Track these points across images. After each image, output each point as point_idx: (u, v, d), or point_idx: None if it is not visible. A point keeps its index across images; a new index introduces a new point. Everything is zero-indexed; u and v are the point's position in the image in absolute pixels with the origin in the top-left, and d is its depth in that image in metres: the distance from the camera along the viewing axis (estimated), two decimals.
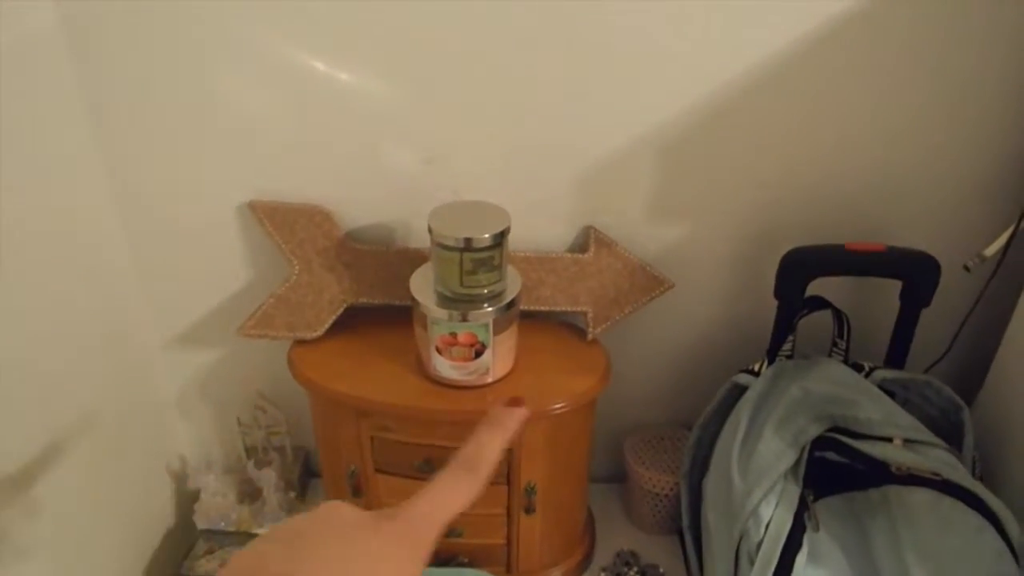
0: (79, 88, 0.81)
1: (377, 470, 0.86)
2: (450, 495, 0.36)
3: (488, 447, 0.38)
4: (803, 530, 0.71)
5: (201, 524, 0.99)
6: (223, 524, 1.00)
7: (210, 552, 0.95)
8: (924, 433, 0.75)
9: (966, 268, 0.81)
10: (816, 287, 0.84)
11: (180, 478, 1.05)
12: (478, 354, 0.79)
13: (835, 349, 0.87)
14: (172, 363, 1.00)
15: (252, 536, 0.97)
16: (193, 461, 1.06)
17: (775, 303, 0.86)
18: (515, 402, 0.40)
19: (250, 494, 1.03)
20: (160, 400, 1.02)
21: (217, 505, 1.00)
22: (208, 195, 0.89)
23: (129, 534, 0.94)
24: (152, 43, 0.79)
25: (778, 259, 0.84)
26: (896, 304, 0.85)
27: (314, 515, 0.33)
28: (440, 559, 0.92)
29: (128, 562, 0.94)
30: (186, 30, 0.79)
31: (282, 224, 0.87)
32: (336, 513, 0.33)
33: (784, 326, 0.86)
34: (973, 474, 0.80)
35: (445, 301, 0.78)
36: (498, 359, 0.80)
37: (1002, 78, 0.81)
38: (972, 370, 0.93)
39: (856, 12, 0.77)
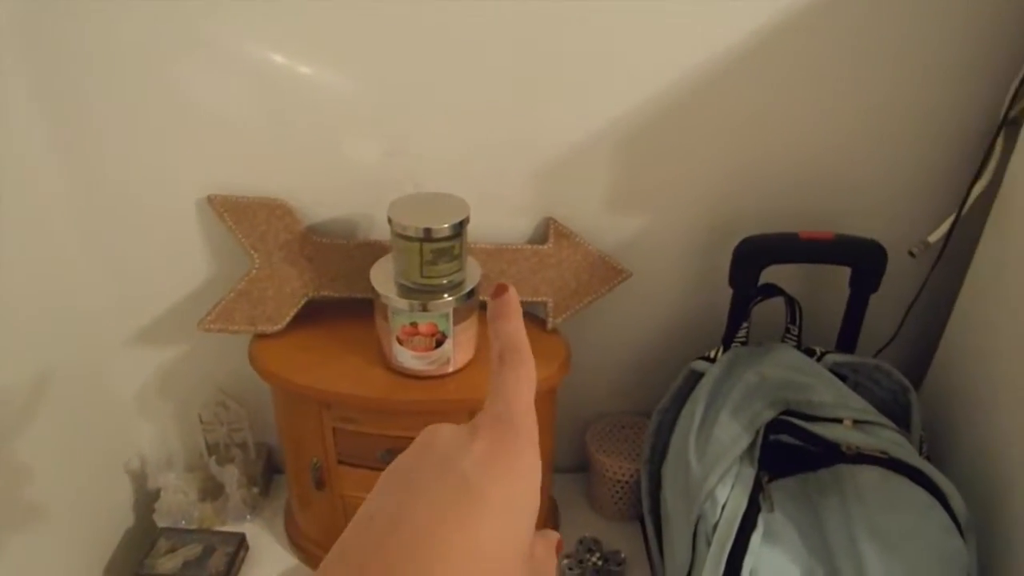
0: (34, 80, 0.80)
1: (340, 462, 0.86)
2: (516, 380, 0.34)
3: (513, 333, 0.35)
4: (758, 510, 0.73)
5: (162, 522, 0.99)
6: (184, 522, 0.99)
7: (171, 550, 0.94)
8: (873, 414, 0.77)
9: (911, 254, 0.84)
10: (769, 275, 0.87)
11: (140, 477, 1.04)
12: (439, 344, 0.79)
13: (788, 335, 0.90)
14: (131, 360, 0.99)
15: (216, 534, 0.97)
16: (154, 459, 1.05)
17: (730, 291, 0.88)
18: (499, 291, 0.37)
19: (212, 491, 1.03)
20: (119, 398, 1.01)
21: (178, 503, 0.99)
22: (167, 189, 0.88)
23: (88, 534, 0.93)
24: (108, 35, 0.79)
25: (732, 248, 0.86)
26: (846, 290, 0.88)
27: (414, 447, 0.32)
28: None
29: (87, 562, 0.93)
30: (145, 23, 0.78)
31: (242, 218, 0.87)
32: (435, 437, 0.32)
33: (738, 313, 0.88)
34: (921, 453, 0.82)
35: (406, 291, 0.78)
36: (459, 349, 0.81)
37: (945, 72, 0.84)
38: (921, 353, 0.96)
39: (807, 7, 0.79)
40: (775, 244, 0.85)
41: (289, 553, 0.98)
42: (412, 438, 0.87)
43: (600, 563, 0.96)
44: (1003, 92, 0.81)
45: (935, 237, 0.84)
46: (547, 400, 0.88)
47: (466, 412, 0.81)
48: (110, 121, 0.83)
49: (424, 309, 0.77)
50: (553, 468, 0.97)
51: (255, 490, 1.03)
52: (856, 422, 0.76)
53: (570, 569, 0.95)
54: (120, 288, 0.94)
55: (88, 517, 0.93)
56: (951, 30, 0.82)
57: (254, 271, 0.87)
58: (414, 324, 0.78)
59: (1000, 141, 0.81)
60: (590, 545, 0.98)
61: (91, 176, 0.87)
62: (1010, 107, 0.80)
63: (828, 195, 0.91)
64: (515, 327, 0.36)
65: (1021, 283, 0.75)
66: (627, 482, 1.00)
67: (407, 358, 0.80)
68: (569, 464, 1.09)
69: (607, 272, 0.89)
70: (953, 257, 0.88)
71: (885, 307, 0.91)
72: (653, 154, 0.88)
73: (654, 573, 0.94)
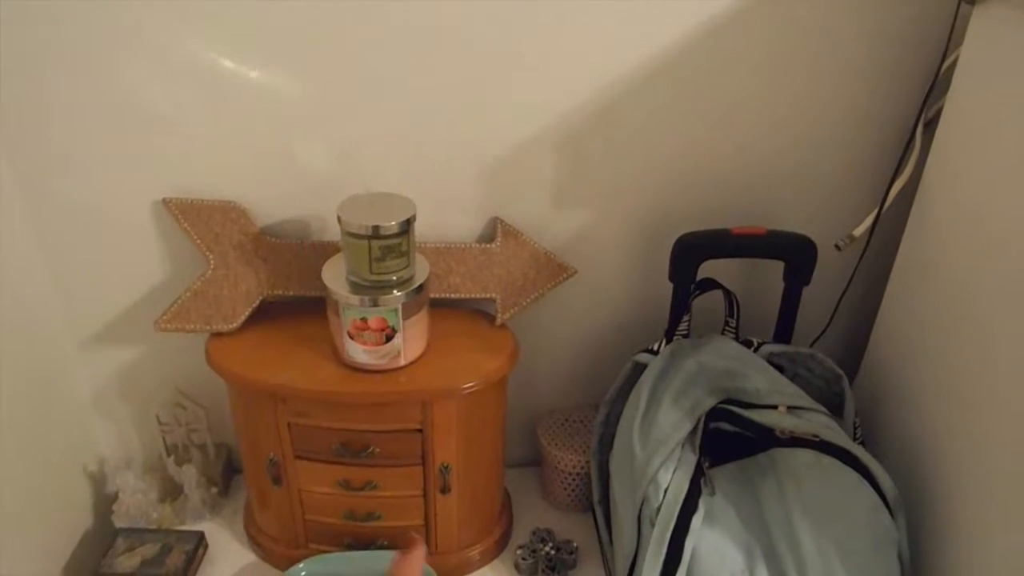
0: None
1: (296, 456, 0.88)
2: None
3: None
4: (699, 494, 0.77)
5: (120, 523, 1.00)
6: (143, 522, 1.00)
7: (129, 549, 0.95)
8: (806, 400, 0.81)
9: (837, 247, 0.88)
10: (708, 270, 0.91)
11: (98, 479, 1.05)
12: (389, 338, 0.82)
13: (727, 327, 0.94)
14: (89, 362, 1.01)
15: (174, 533, 0.98)
16: (112, 461, 1.06)
17: (671, 286, 0.92)
18: (411, 543, 0.41)
19: (171, 492, 1.04)
20: (77, 400, 1.02)
21: (137, 504, 1.00)
22: (122, 193, 0.90)
23: (46, 536, 0.94)
24: (60, 40, 0.81)
25: (671, 245, 0.90)
26: (780, 283, 0.92)
27: None
28: (360, 543, 0.94)
29: (45, 563, 0.94)
30: (98, 29, 0.80)
31: (197, 220, 0.89)
32: None
33: (679, 307, 0.92)
34: (855, 439, 0.86)
35: (356, 288, 0.81)
36: (409, 343, 0.84)
37: (867, 75, 0.89)
38: (855, 343, 1.01)
39: (737, 13, 0.84)
40: (710, 240, 0.89)
41: (248, 550, 1.00)
42: (365, 431, 0.89)
43: (553, 552, 0.98)
44: (920, 94, 0.86)
45: (860, 231, 0.88)
46: (498, 392, 0.91)
47: (416, 404, 0.84)
48: (63, 126, 0.85)
49: (374, 304, 0.80)
50: (505, 462, 1.00)
51: (214, 490, 1.05)
52: (790, 408, 0.80)
53: (523, 559, 0.97)
54: (76, 291, 0.96)
55: (46, 519, 0.94)
56: (872, 36, 0.87)
57: (209, 272, 0.89)
58: (364, 319, 0.81)
59: (918, 141, 0.86)
60: (543, 535, 1.01)
61: (45, 181, 0.88)
62: (926, 108, 0.85)
63: (762, 193, 0.95)
64: None
65: (942, 274, 0.80)
66: (578, 473, 1.03)
67: (358, 352, 0.83)
68: (522, 458, 1.12)
69: (553, 269, 0.93)
70: (881, 250, 0.92)
71: (819, 299, 0.95)
72: (594, 155, 0.92)
73: (604, 560, 0.97)
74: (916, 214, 0.86)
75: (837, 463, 0.77)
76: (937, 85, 0.83)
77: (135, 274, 0.95)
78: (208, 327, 0.89)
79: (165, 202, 0.89)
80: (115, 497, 1.01)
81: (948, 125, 0.81)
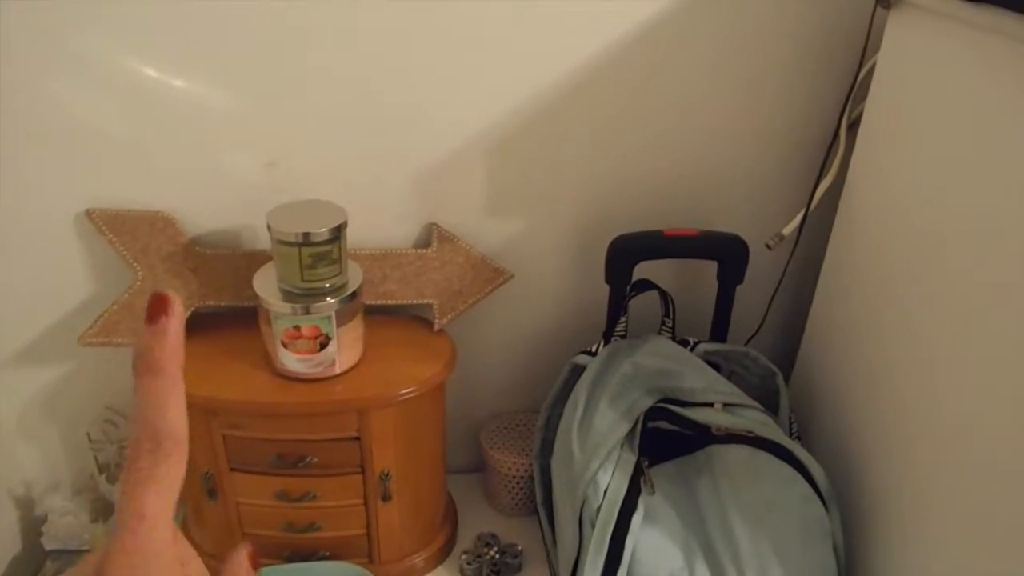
0: None
1: (232, 469, 0.86)
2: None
3: (172, 419, 0.28)
4: (638, 493, 0.77)
5: (50, 546, 0.96)
6: (75, 544, 0.97)
7: (59, 572, 0.92)
8: (741, 397, 0.83)
9: (767, 246, 0.90)
10: (644, 271, 0.92)
11: (25, 502, 1.01)
12: (323, 346, 0.81)
13: (663, 327, 0.95)
14: (11, 382, 0.97)
15: None
16: (40, 484, 1.03)
17: (608, 288, 0.93)
18: (159, 305, 0.30)
19: (104, 511, 1.01)
20: None
21: (67, 526, 0.97)
22: (43, 204, 0.87)
23: None
24: None
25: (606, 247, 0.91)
26: (715, 283, 0.94)
27: None
28: (301, 554, 0.93)
29: None
30: (16, 37, 0.78)
31: (122, 231, 0.87)
32: None
33: (616, 308, 0.93)
34: (790, 434, 0.88)
35: (288, 296, 0.80)
36: (344, 350, 0.83)
37: (792, 79, 0.91)
38: (790, 340, 1.03)
39: (662, 21, 0.85)
40: (644, 242, 0.91)
41: None
42: (301, 440, 0.88)
43: (498, 556, 0.98)
44: (842, 96, 0.88)
45: (788, 230, 0.90)
46: (436, 398, 0.91)
47: (353, 412, 0.83)
48: None
49: (306, 312, 0.79)
50: (448, 468, 1.00)
51: None
52: (726, 405, 0.81)
53: (468, 564, 0.97)
54: None
55: None
56: (793, 40, 0.89)
57: (137, 284, 0.87)
58: (297, 327, 0.80)
59: (842, 143, 0.88)
60: (488, 540, 1.01)
61: None
62: (847, 111, 0.88)
63: (694, 195, 0.97)
64: (166, 394, 0.27)
65: (870, 271, 0.82)
66: (521, 477, 1.03)
67: (292, 361, 0.82)
68: (466, 464, 1.12)
69: (489, 274, 0.93)
70: (810, 249, 0.95)
71: (752, 298, 0.97)
72: (526, 159, 0.92)
73: (549, 563, 0.97)
74: (843, 213, 0.88)
75: (772, 458, 0.78)
76: (858, 86, 0.86)
77: (58, 288, 0.92)
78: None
79: (88, 213, 0.87)
80: (44, 520, 0.98)
81: (869, 126, 0.83)
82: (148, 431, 0.26)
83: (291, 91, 0.85)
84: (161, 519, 0.26)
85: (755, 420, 0.81)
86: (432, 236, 0.93)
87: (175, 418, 0.27)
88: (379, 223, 0.92)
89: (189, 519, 0.97)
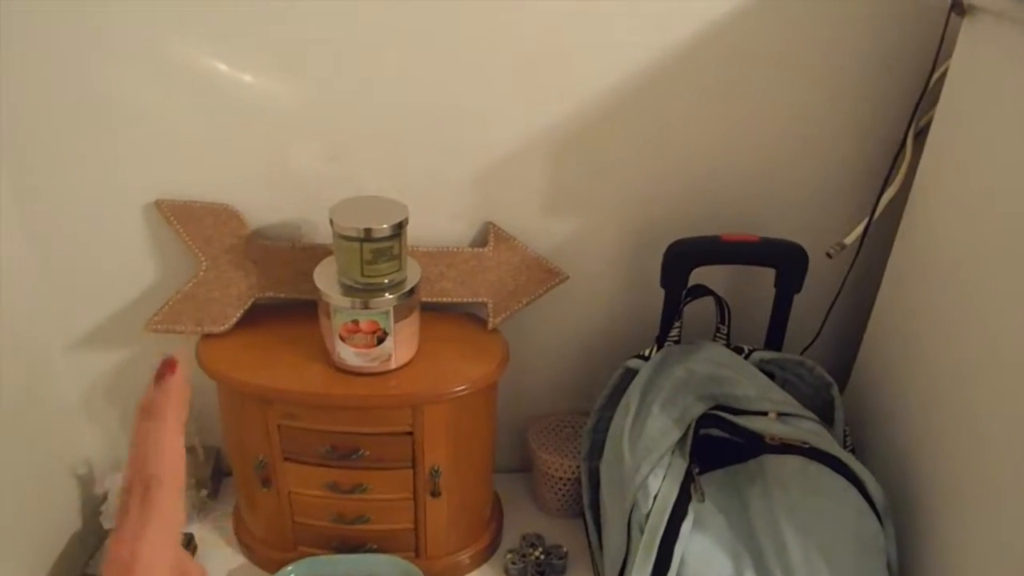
0: None
1: (285, 458, 0.88)
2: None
3: (155, 458, 0.30)
4: (688, 500, 0.77)
5: (108, 524, 0.99)
6: None
7: None
8: (796, 407, 0.82)
9: (828, 255, 0.89)
10: (699, 276, 0.91)
11: (87, 481, 1.05)
12: (380, 341, 0.82)
13: (718, 334, 0.94)
14: (76, 365, 1.00)
15: None
16: (101, 464, 1.06)
17: (663, 292, 0.92)
18: (166, 368, 0.32)
19: None
20: (64, 403, 1.02)
21: None
22: (114, 195, 0.90)
23: (33, 539, 0.94)
24: (54, 43, 0.81)
25: (663, 251, 0.90)
26: (772, 291, 0.93)
27: None
28: (349, 545, 0.94)
29: (31, 566, 0.93)
30: (89, 31, 0.81)
31: (189, 222, 0.89)
32: None
33: (671, 313, 0.93)
34: (844, 446, 0.87)
35: (347, 290, 0.81)
36: (399, 346, 0.84)
37: (858, 86, 0.90)
38: (846, 351, 1.01)
39: (729, 24, 0.85)
40: (701, 247, 0.90)
41: (237, 553, 1.00)
42: (354, 433, 0.89)
43: (542, 557, 0.98)
44: (910, 105, 0.86)
45: (851, 239, 0.89)
46: (488, 396, 0.91)
47: (407, 407, 0.84)
48: (56, 127, 0.85)
49: (365, 307, 0.80)
50: (496, 468, 1.00)
51: (203, 493, 1.04)
52: (780, 414, 0.80)
53: (513, 564, 0.97)
54: (65, 293, 0.95)
55: (33, 523, 0.94)
56: (863, 48, 0.87)
57: (201, 274, 0.89)
58: (355, 322, 0.81)
59: (908, 151, 0.87)
60: (532, 540, 1.01)
61: (37, 182, 0.88)
62: (916, 119, 0.86)
63: (754, 201, 0.96)
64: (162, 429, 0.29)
65: (932, 282, 0.80)
66: (569, 479, 1.03)
67: (349, 355, 0.83)
68: (513, 464, 1.12)
69: (544, 274, 0.93)
70: (872, 259, 0.93)
71: (810, 307, 0.96)
72: (583, 161, 0.92)
73: (594, 565, 0.97)
74: (906, 223, 0.87)
75: (826, 470, 0.77)
76: (927, 96, 0.84)
77: (125, 276, 0.95)
78: (199, 329, 0.89)
79: (158, 204, 0.89)
80: (104, 499, 1.01)
81: (938, 135, 0.82)
82: (139, 474, 0.28)
83: (354, 89, 0.86)
84: (155, 567, 0.27)
85: (810, 431, 0.79)
86: (488, 235, 0.93)
87: (169, 462, 0.28)
88: (435, 221, 0.93)
89: (242, 506, 0.99)
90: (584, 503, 0.99)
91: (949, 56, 0.80)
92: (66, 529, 1.00)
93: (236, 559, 0.99)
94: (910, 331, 0.84)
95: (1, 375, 0.87)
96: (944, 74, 0.81)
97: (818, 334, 0.96)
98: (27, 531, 0.93)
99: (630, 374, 0.92)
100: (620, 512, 0.81)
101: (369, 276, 0.80)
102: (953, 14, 0.78)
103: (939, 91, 0.81)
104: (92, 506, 1.03)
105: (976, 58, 0.75)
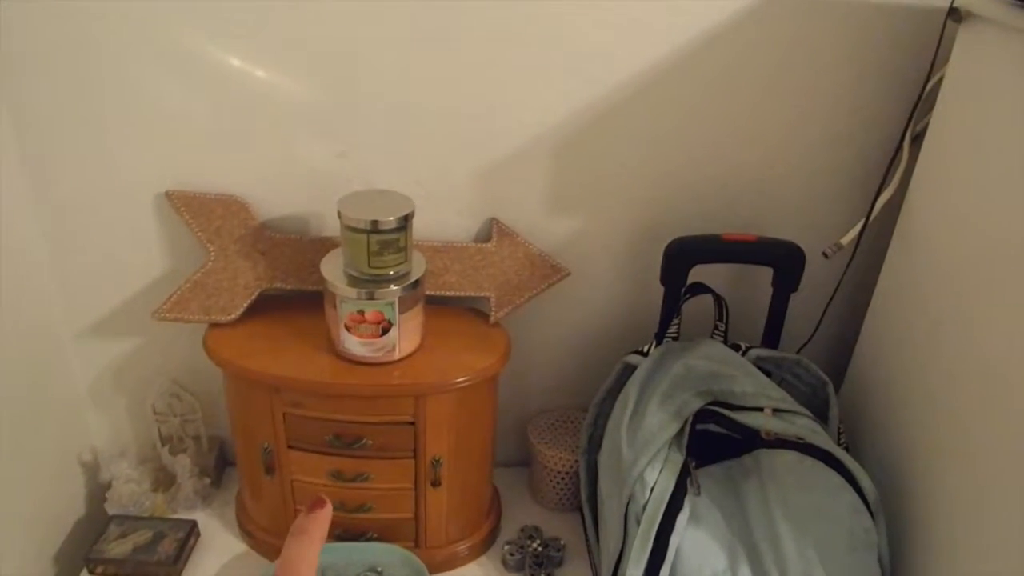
0: None
1: (290, 446, 0.90)
2: None
3: (297, 561, 0.38)
4: (685, 493, 0.78)
5: (112, 510, 1.01)
6: (135, 511, 1.01)
7: (122, 536, 0.96)
8: (792, 404, 0.83)
9: (824, 255, 0.90)
10: (698, 274, 0.93)
11: (92, 468, 1.06)
12: (385, 331, 0.84)
13: (716, 331, 0.96)
14: (85, 353, 1.02)
15: (167, 521, 0.99)
16: (106, 451, 1.08)
17: (662, 289, 0.94)
18: (317, 504, 0.40)
19: (164, 482, 1.05)
20: (72, 391, 1.03)
21: (130, 492, 1.01)
22: (125, 185, 0.92)
23: (37, 524, 0.95)
24: (67, 35, 0.83)
25: (663, 248, 0.92)
26: (769, 290, 0.94)
27: None
28: (350, 534, 0.95)
29: (35, 551, 0.95)
30: (104, 25, 0.82)
31: (199, 212, 0.91)
32: None
33: (670, 310, 0.94)
34: (839, 443, 0.88)
35: (354, 281, 0.83)
36: (404, 337, 0.86)
37: (856, 87, 0.91)
38: (842, 350, 1.02)
39: (729, 25, 0.86)
40: (701, 245, 0.92)
41: (240, 540, 1.01)
42: (358, 422, 0.90)
43: (540, 549, 1.00)
44: (908, 108, 0.88)
45: (847, 240, 0.91)
46: (489, 388, 0.93)
47: (410, 397, 0.86)
48: (68, 118, 0.87)
49: (371, 297, 0.82)
50: (495, 460, 1.02)
51: (207, 481, 1.06)
52: (776, 411, 0.81)
53: (511, 555, 0.99)
54: (75, 281, 0.97)
55: (38, 508, 0.95)
56: (861, 52, 0.89)
57: (209, 264, 0.91)
58: (361, 312, 0.82)
59: (905, 155, 0.88)
60: (531, 532, 1.02)
61: (48, 172, 0.90)
62: (912, 124, 0.88)
63: (753, 201, 0.98)
64: (305, 554, 0.38)
65: (927, 283, 0.82)
66: (567, 473, 1.04)
67: (354, 345, 0.85)
68: (512, 458, 1.14)
69: (546, 270, 0.95)
70: (868, 259, 0.95)
71: (807, 306, 0.97)
72: (586, 160, 0.94)
73: (591, 557, 0.99)
74: (902, 224, 0.88)
75: (820, 465, 0.79)
76: (924, 100, 0.86)
77: (134, 266, 0.97)
78: (207, 318, 0.91)
79: (168, 195, 0.91)
80: (108, 486, 1.02)
81: (934, 140, 0.83)
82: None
83: (365, 88, 0.88)
84: None
85: (805, 427, 0.81)
86: (492, 231, 0.95)
87: (307, 568, 0.37)
88: (441, 216, 0.95)
89: (245, 493, 1.00)
90: (582, 497, 1.01)
91: (946, 62, 0.82)
92: (71, 515, 1.02)
93: (238, 546, 1.01)
94: (905, 331, 0.86)
95: (12, 363, 0.88)
96: (941, 80, 0.82)
97: (814, 333, 0.98)
98: (33, 516, 0.94)
99: (629, 369, 0.93)
100: (617, 505, 0.83)
101: (375, 267, 0.82)
102: (950, 21, 0.80)
103: (935, 96, 0.83)
104: (97, 493, 1.05)
105: (972, 64, 0.77)
